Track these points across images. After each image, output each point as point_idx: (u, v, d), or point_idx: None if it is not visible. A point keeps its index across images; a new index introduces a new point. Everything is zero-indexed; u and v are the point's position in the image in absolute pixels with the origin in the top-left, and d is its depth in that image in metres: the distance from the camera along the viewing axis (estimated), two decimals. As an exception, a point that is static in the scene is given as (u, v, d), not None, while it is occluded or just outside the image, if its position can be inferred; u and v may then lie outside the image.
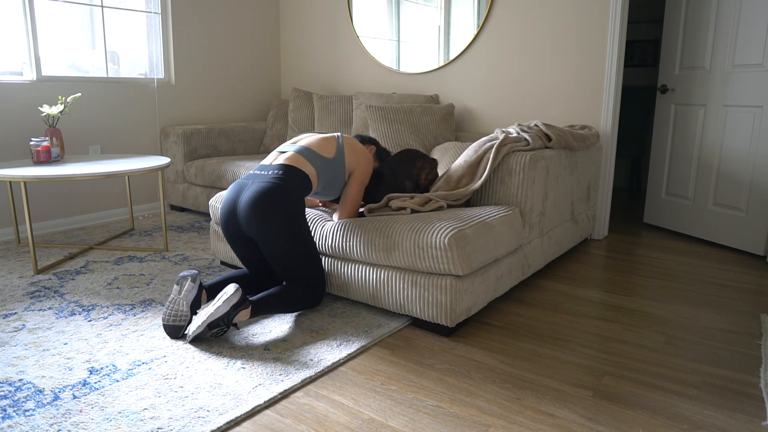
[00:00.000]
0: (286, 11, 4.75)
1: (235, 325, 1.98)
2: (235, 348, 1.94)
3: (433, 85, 3.97)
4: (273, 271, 2.29)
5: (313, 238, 2.19)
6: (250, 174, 2.14)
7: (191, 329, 1.93)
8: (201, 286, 2.10)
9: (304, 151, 2.18)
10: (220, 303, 1.92)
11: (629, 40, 5.22)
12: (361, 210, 2.42)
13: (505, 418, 1.57)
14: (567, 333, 2.13)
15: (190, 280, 2.03)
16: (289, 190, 2.04)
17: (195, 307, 2.07)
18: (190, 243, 3.27)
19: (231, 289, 1.95)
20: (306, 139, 2.29)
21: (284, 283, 2.20)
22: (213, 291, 2.15)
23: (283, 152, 2.21)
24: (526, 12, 3.49)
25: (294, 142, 2.29)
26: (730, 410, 1.62)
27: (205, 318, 1.90)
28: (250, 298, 2.02)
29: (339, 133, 2.33)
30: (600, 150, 3.28)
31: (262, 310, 2.04)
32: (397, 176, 2.42)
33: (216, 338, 2.00)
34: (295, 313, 2.24)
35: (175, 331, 2.00)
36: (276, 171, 2.08)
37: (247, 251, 2.20)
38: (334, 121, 4.01)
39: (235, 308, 1.94)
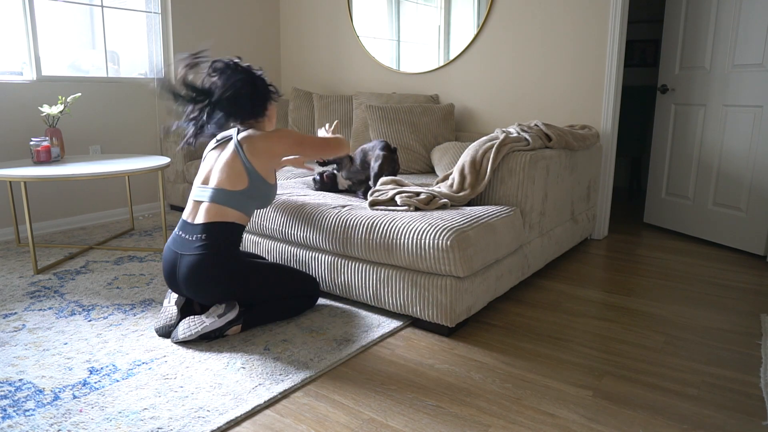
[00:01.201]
0: (286, 11, 4.75)
1: (225, 335, 2.01)
2: (235, 348, 1.94)
3: (433, 85, 3.97)
4: None
5: (266, 263, 2.08)
6: (177, 238, 1.99)
7: (181, 333, 1.93)
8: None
9: (218, 196, 1.97)
10: (215, 318, 1.94)
11: (629, 40, 5.22)
12: (366, 201, 2.44)
13: (505, 418, 1.57)
14: (567, 333, 2.13)
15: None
16: (218, 254, 1.92)
17: (187, 311, 2.06)
18: (190, 243, 3.27)
19: (229, 305, 1.97)
20: (214, 175, 2.03)
21: None
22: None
23: (199, 201, 2.01)
24: (526, 12, 3.49)
25: (204, 182, 2.05)
26: (730, 410, 1.62)
27: (199, 329, 1.93)
28: (242, 311, 2.02)
29: (235, 141, 2.04)
30: (600, 150, 3.28)
31: (253, 324, 2.06)
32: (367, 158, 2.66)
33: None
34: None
35: (166, 332, 2.01)
36: (199, 237, 1.93)
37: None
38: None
39: (229, 325, 1.97)
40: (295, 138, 2.09)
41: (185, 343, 1.96)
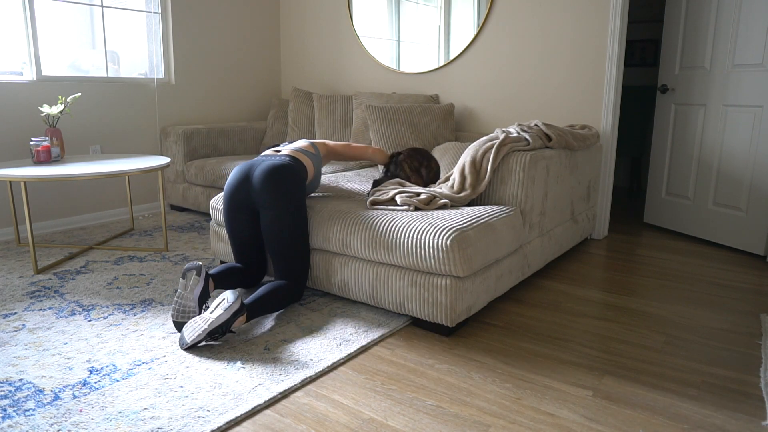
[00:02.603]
0: (286, 11, 4.75)
1: (233, 330, 1.99)
2: (235, 348, 1.94)
3: (433, 85, 3.97)
4: (261, 258, 2.39)
5: (307, 222, 2.31)
6: (258, 158, 2.33)
7: (188, 336, 1.90)
8: (207, 276, 2.13)
9: (296, 149, 2.41)
10: (221, 311, 1.92)
11: (629, 40, 5.22)
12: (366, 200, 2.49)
13: (505, 418, 1.57)
14: (567, 333, 2.13)
15: (195, 273, 2.07)
16: (299, 171, 2.28)
17: (203, 299, 2.09)
18: (190, 243, 3.27)
19: (231, 296, 1.95)
20: (291, 144, 2.52)
21: (274, 274, 2.28)
22: (219, 280, 2.22)
23: (279, 150, 2.41)
24: (526, 12, 3.49)
25: (283, 146, 2.51)
26: (730, 410, 1.62)
27: (206, 326, 1.89)
28: (244, 302, 2.03)
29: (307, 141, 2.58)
30: (600, 150, 3.28)
31: (256, 313, 2.06)
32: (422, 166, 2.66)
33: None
34: (286, 311, 2.24)
35: (186, 318, 2.05)
36: (285, 157, 2.31)
37: (244, 226, 2.29)
38: (334, 121, 4.01)
39: (235, 315, 1.94)
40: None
41: (193, 347, 1.93)
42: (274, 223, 2.19)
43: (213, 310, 1.94)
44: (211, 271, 2.22)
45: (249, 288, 2.46)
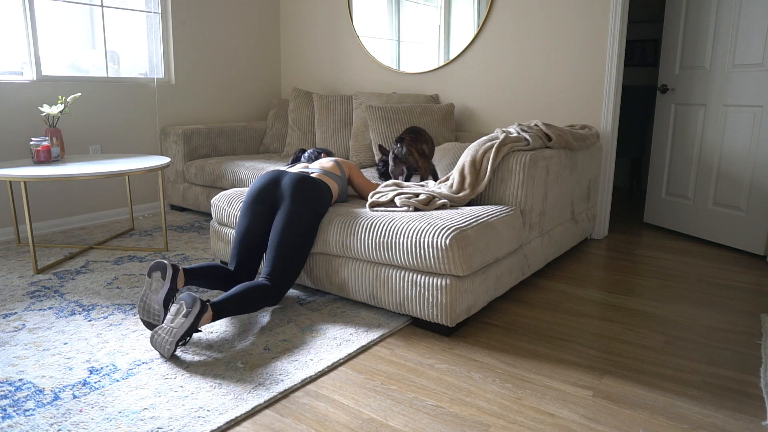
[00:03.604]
0: (286, 11, 4.75)
1: (200, 329, 1.94)
2: (235, 348, 1.94)
3: (433, 85, 3.97)
4: (254, 264, 2.31)
5: (312, 240, 2.30)
6: (287, 169, 2.46)
7: (162, 352, 1.85)
8: (175, 277, 2.03)
9: (324, 172, 2.49)
10: (182, 318, 1.84)
11: (629, 40, 5.22)
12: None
13: (505, 418, 1.57)
14: (567, 333, 2.13)
15: (159, 275, 2.00)
16: (325, 191, 2.36)
17: (169, 300, 2.01)
18: (190, 243, 3.27)
19: (187, 299, 1.87)
20: (318, 163, 2.61)
21: (261, 274, 2.20)
22: (192, 277, 2.12)
23: (307, 167, 2.53)
24: (526, 12, 3.49)
25: (310, 165, 2.62)
26: (730, 410, 1.62)
27: (171, 338, 1.83)
28: (213, 300, 1.95)
29: (334, 158, 2.66)
30: (600, 150, 3.28)
31: (227, 312, 1.96)
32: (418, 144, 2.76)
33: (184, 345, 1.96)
34: (262, 312, 2.24)
35: (152, 327, 2.01)
36: (315, 176, 2.42)
37: (258, 221, 2.29)
38: (334, 121, 4.01)
39: (198, 318, 1.86)
40: (358, 171, 2.72)
41: (173, 357, 1.88)
42: (288, 218, 2.21)
43: (174, 319, 1.86)
44: (187, 267, 2.13)
45: (224, 290, 2.31)
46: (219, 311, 1.94)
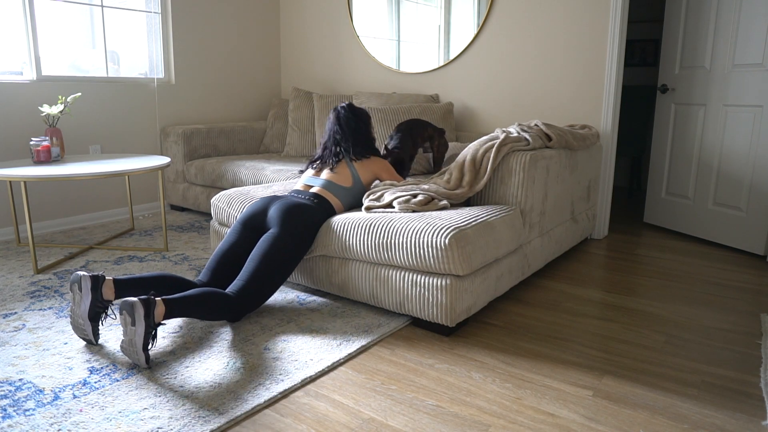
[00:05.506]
0: (286, 11, 4.75)
1: (163, 323, 1.87)
2: (235, 348, 1.94)
3: (433, 84, 3.97)
4: (226, 285, 2.24)
5: (298, 260, 2.26)
6: (286, 194, 2.44)
7: (138, 363, 1.79)
8: (97, 286, 1.92)
9: (328, 185, 2.45)
10: (131, 327, 1.76)
11: (629, 40, 5.22)
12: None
13: (505, 418, 1.57)
14: (567, 333, 2.13)
15: (77, 288, 1.91)
16: (317, 212, 2.33)
17: (95, 311, 1.91)
18: (190, 243, 3.27)
19: (126, 306, 1.76)
20: (324, 173, 2.52)
21: (229, 287, 2.13)
22: (123, 288, 1.98)
23: (311, 186, 2.48)
24: (527, 12, 3.49)
25: (315, 176, 2.54)
26: (730, 410, 1.62)
27: (138, 348, 1.76)
28: (169, 297, 1.86)
29: (348, 159, 2.54)
30: (600, 150, 3.28)
31: (180, 311, 1.87)
32: (413, 141, 2.79)
33: (155, 345, 1.92)
34: (262, 312, 2.24)
35: (90, 342, 1.95)
36: (311, 196, 2.38)
37: (241, 241, 2.29)
38: (334, 121, 4.00)
39: (148, 317, 1.76)
40: (387, 167, 2.62)
41: (148, 359, 1.81)
42: (270, 243, 2.16)
43: (126, 331, 1.77)
44: (120, 277, 1.99)
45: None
46: (172, 308, 1.83)
